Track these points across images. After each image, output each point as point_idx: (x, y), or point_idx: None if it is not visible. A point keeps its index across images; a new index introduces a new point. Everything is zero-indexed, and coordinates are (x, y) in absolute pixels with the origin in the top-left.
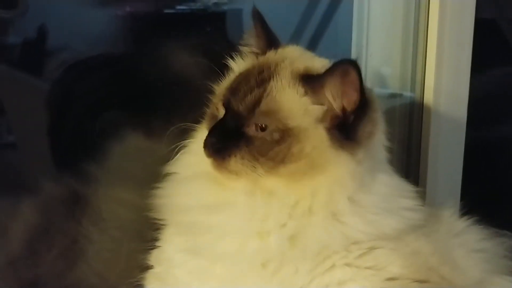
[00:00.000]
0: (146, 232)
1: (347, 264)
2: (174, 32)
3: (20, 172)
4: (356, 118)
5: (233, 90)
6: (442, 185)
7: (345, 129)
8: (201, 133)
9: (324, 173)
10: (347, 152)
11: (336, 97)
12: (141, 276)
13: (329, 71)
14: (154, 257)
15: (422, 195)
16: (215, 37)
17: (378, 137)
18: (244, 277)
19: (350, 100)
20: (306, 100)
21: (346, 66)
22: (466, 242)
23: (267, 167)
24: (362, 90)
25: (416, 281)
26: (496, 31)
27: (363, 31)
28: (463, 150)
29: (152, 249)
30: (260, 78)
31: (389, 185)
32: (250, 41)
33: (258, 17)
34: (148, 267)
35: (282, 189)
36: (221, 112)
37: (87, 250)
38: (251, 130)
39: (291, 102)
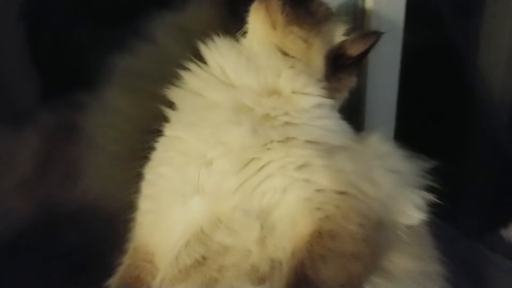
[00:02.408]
0: (142, 143)
1: (286, 175)
2: None
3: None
4: (343, 64)
5: None
6: (379, 110)
7: (335, 63)
8: None
9: (312, 60)
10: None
11: (351, 45)
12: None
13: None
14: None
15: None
16: None
17: (345, 94)
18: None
19: (358, 50)
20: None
21: (376, 35)
22: (386, 163)
23: (289, 19)
24: (367, 52)
25: (337, 192)
26: None
27: None
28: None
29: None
30: None
31: (332, 118)
32: None
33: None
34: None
35: (282, 43)
36: None
37: (87, 168)
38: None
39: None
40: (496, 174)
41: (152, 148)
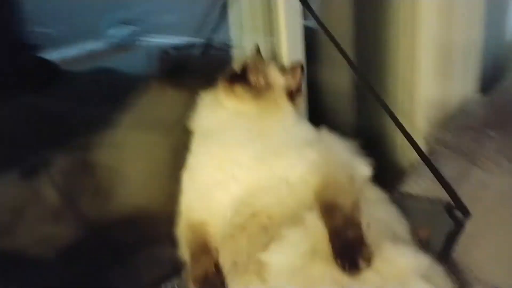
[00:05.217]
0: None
1: (292, 157)
2: None
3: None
4: (294, 93)
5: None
6: None
7: (291, 96)
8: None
9: (279, 107)
10: (290, 104)
11: (292, 80)
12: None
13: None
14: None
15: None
16: None
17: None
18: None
19: (295, 84)
20: (283, 78)
21: (299, 63)
22: (333, 146)
23: (252, 95)
24: (301, 79)
25: (323, 163)
26: None
27: None
28: None
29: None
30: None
31: (302, 127)
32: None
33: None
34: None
35: (257, 109)
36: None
37: (115, 189)
38: (252, 79)
39: (277, 76)
40: None
41: (179, 167)
